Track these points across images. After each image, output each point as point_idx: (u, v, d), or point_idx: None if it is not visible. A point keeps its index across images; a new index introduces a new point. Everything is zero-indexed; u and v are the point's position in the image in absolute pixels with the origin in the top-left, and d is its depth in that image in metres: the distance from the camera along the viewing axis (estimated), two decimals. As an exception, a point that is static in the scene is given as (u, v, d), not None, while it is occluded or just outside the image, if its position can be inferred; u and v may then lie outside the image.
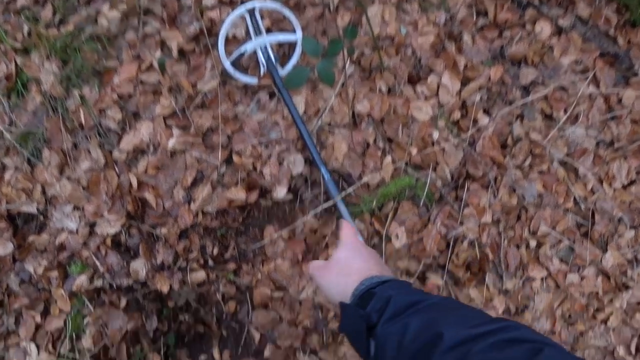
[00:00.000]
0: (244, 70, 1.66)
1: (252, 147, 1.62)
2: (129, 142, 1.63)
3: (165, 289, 1.64)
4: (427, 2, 1.78)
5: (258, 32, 1.60)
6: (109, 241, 1.64)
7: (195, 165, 1.63)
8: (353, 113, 1.65)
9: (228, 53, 1.61)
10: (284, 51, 1.71)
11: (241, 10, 1.58)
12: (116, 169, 1.66)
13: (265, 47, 1.58)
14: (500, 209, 1.65)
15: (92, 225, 1.66)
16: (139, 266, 1.64)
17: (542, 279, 1.69)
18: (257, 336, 1.65)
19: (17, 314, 1.69)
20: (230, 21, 1.60)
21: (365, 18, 1.53)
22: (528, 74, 1.77)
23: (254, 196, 1.63)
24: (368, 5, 1.69)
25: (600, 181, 1.71)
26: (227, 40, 1.65)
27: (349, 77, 1.65)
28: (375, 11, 1.69)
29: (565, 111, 1.74)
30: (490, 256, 1.64)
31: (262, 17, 1.63)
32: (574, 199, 1.71)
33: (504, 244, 1.65)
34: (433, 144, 1.65)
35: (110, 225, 1.64)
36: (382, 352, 0.61)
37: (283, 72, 1.60)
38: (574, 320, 1.69)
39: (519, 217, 1.70)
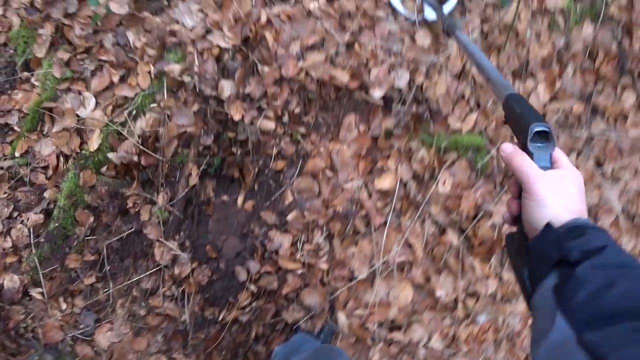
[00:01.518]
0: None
1: (375, 46, 1.80)
2: (279, -18, 1.78)
3: (236, 117, 1.78)
4: (555, 24, 2.05)
5: None
6: (215, 51, 1.78)
7: (321, 33, 1.80)
8: (463, 67, 1.86)
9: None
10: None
11: None
12: (253, 1, 1.80)
13: None
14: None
15: (207, 31, 1.78)
16: (228, 86, 1.78)
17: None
18: (289, 199, 1.79)
19: (98, 66, 1.77)
20: None
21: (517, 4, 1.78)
22: (599, 125, 2.04)
23: (354, 84, 1.81)
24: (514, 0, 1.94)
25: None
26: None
27: (474, 40, 1.87)
28: (517, 6, 1.94)
29: (613, 169, 2.00)
30: (502, 244, 1.85)
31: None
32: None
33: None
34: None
35: (223, 40, 1.78)
36: (571, 289, 0.59)
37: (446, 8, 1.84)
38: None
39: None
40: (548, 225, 0.66)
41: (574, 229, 0.65)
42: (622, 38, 2.11)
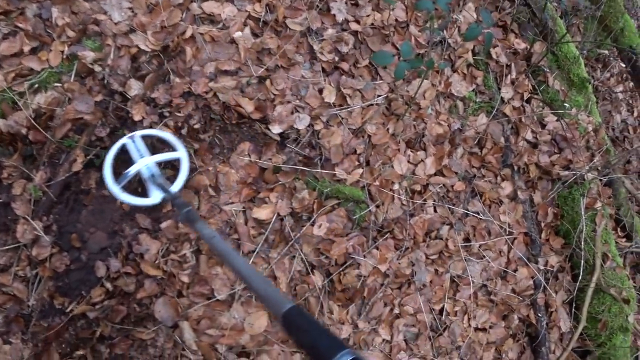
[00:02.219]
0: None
1: (285, 86, 1.94)
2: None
3: (137, 117, 1.88)
4: (456, 108, 2.26)
5: (141, 155, 1.77)
6: (133, 50, 1.87)
7: (239, 62, 1.93)
8: (361, 125, 2.01)
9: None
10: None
11: (124, 139, 1.79)
12: (183, 15, 1.90)
13: (149, 167, 1.75)
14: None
15: (131, 30, 1.87)
16: (136, 86, 1.87)
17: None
18: (167, 207, 1.82)
19: (12, 31, 1.81)
20: (115, 150, 1.76)
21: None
22: (475, 205, 2.25)
23: (256, 115, 1.95)
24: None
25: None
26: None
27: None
28: (421, 83, 2.15)
29: (479, 247, 2.20)
30: (363, 295, 1.96)
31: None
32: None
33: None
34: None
35: (144, 42, 1.89)
36: None
37: (174, 188, 1.76)
38: None
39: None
40: None
41: None
42: (510, 134, 2.36)
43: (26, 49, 1.87)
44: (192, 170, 1.92)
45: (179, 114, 1.91)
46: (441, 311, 2.25)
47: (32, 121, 1.79)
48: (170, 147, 1.85)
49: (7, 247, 1.77)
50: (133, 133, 1.81)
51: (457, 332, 2.26)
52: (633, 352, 2.63)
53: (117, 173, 1.73)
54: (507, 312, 2.37)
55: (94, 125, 1.85)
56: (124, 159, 1.79)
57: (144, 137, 1.83)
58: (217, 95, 1.93)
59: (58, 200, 1.83)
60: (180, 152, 1.83)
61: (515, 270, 2.37)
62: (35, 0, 1.89)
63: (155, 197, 1.72)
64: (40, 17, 1.90)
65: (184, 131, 1.92)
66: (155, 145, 1.87)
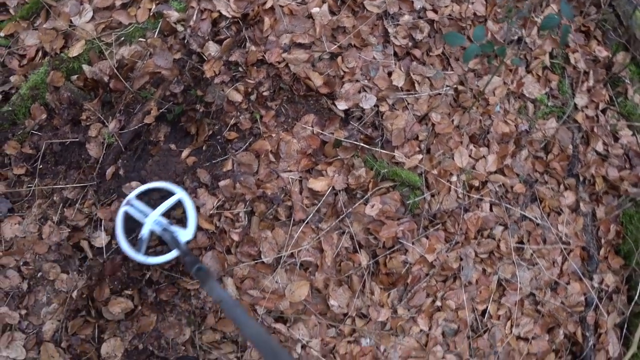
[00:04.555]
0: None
1: (356, 65, 1.95)
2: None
3: (209, 74, 1.92)
4: (525, 109, 2.21)
5: (145, 215, 1.80)
6: (215, 15, 1.94)
7: (314, 37, 1.95)
8: (427, 114, 2.00)
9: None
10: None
11: (122, 208, 1.81)
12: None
13: (159, 222, 1.78)
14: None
15: (213, -4, 1.92)
16: (214, 48, 1.92)
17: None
18: (227, 167, 1.93)
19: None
20: (120, 220, 1.80)
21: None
22: (534, 210, 2.18)
23: (324, 90, 1.98)
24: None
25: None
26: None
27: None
28: (490, 79, 2.10)
29: (532, 254, 2.13)
30: (406, 282, 1.94)
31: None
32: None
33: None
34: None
35: (226, 9, 1.94)
36: None
37: (189, 230, 1.81)
38: None
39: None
40: None
41: None
42: (579, 143, 2.27)
43: (118, 3, 1.99)
44: (256, 135, 1.98)
45: (250, 80, 1.96)
46: (484, 313, 2.19)
47: (115, 70, 1.90)
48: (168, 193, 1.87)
49: (77, 184, 1.89)
50: (127, 198, 1.82)
51: (498, 337, 2.19)
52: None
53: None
54: (553, 325, 2.27)
55: (170, 81, 1.94)
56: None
57: (139, 197, 1.85)
58: (288, 66, 1.98)
59: (127, 148, 1.93)
60: (179, 193, 1.84)
61: (568, 284, 2.27)
62: (131, -41, 2.01)
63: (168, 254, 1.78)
64: (133, -25, 2.02)
65: (252, 97, 1.97)
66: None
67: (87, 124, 1.88)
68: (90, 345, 1.85)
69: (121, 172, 1.90)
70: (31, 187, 1.86)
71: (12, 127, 1.87)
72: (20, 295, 1.84)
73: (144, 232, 1.77)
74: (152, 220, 1.78)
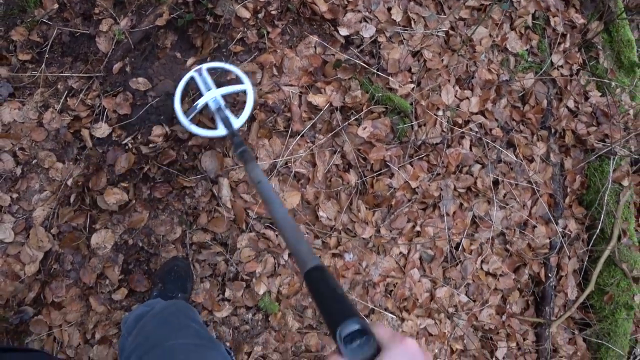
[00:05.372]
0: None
1: (361, 1, 2.08)
2: None
3: None
4: (507, 62, 2.39)
5: (208, 88, 1.85)
6: None
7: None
8: (419, 50, 2.15)
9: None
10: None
11: (191, 72, 1.89)
12: None
13: (216, 100, 1.82)
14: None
15: None
16: (226, -37, 1.99)
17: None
18: (231, 76, 1.97)
19: None
20: (184, 82, 1.88)
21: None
22: (508, 155, 2.34)
23: (328, 16, 2.12)
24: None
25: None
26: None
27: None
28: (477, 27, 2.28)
29: (505, 195, 2.29)
30: (389, 203, 2.06)
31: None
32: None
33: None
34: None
35: None
36: None
37: (241, 120, 1.83)
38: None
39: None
40: None
41: None
42: (553, 99, 2.47)
43: None
44: (261, 49, 2.07)
45: (258, -1, 2.07)
46: (458, 246, 2.34)
47: (129, -29, 1.96)
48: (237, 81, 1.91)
49: (82, 75, 1.92)
50: (200, 66, 1.88)
51: (469, 270, 2.34)
52: (632, 342, 2.67)
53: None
54: (519, 264, 2.44)
55: (182, -12, 2.02)
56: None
57: (211, 70, 1.90)
58: (296, -12, 2.10)
59: (135, 47, 1.98)
60: (246, 85, 1.88)
61: (535, 227, 2.45)
62: None
63: (221, 129, 1.79)
64: None
65: (260, 15, 2.07)
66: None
67: (99, 18, 1.93)
68: (80, 233, 1.88)
69: (128, 68, 1.95)
70: (35, 74, 1.89)
71: (21, 14, 1.90)
72: (13, 179, 1.86)
73: (200, 102, 1.81)
74: (213, 95, 1.82)
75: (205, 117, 1.94)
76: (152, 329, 1.27)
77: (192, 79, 1.89)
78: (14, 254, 1.80)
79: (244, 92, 1.88)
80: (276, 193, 1.89)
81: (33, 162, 1.88)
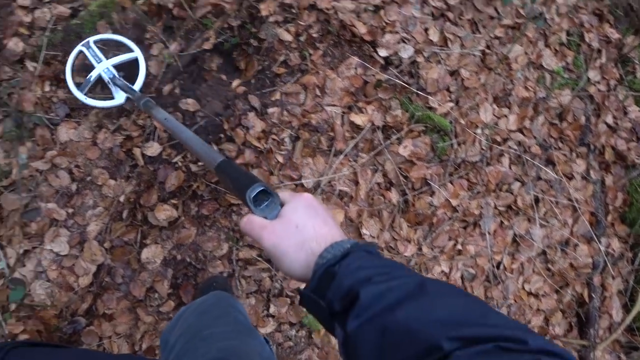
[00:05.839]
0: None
1: (396, 19, 2.15)
2: None
3: (264, 12, 2.09)
4: (543, 79, 2.42)
5: (98, 60, 1.88)
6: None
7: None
8: (457, 70, 2.20)
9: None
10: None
11: (78, 47, 1.90)
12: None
13: (109, 70, 1.86)
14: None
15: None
16: (270, -11, 2.08)
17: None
18: (276, 97, 2.05)
19: None
20: (72, 57, 1.90)
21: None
22: (548, 173, 2.35)
23: (367, 37, 2.18)
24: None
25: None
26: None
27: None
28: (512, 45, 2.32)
29: (546, 213, 2.29)
30: (430, 222, 2.07)
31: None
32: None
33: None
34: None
35: (284, -45, 2.11)
36: (353, 352, 0.57)
37: (136, 87, 1.90)
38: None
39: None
40: (300, 293, 0.65)
41: (325, 274, 0.62)
42: (591, 115, 2.48)
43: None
44: (303, 71, 2.14)
45: (301, 22, 2.14)
46: (499, 265, 2.32)
47: (179, -1, 2.07)
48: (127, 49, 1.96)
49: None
50: (87, 39, 1.90)
51: (510, 290, 2.32)
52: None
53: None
54: (562, 284, 2.41)
55: (229, 14, 2.11)
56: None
57: (98, 43, 1.93)
58: (337, 12, 2.16)
59: (184, 70, 2.07)
60: (136, 52, 1.94)
61: (577, 246, 2.43)
62: None
63: (119, 97, 1.87)
64: None
65: (302, 38, 2.15)
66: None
67: (150, 42, 2.03)
68: (131, 248, 1.93)
69: (177, 90, 2.03)
70: (90, 96, 1.98)
71: (77, 40, 2.00)
72: (68, 195, 1.93)
73: (93, 74, 1.85)
74: (104, 67, 1.86)
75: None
76: (193, 320, 1.30)
77: (80, 53, 1.91)
78: (68, 266, 1.86)
79: (136, 61, 1.93)
80: (181, 122, 1.90)
81: (87, 179, 1.95)
